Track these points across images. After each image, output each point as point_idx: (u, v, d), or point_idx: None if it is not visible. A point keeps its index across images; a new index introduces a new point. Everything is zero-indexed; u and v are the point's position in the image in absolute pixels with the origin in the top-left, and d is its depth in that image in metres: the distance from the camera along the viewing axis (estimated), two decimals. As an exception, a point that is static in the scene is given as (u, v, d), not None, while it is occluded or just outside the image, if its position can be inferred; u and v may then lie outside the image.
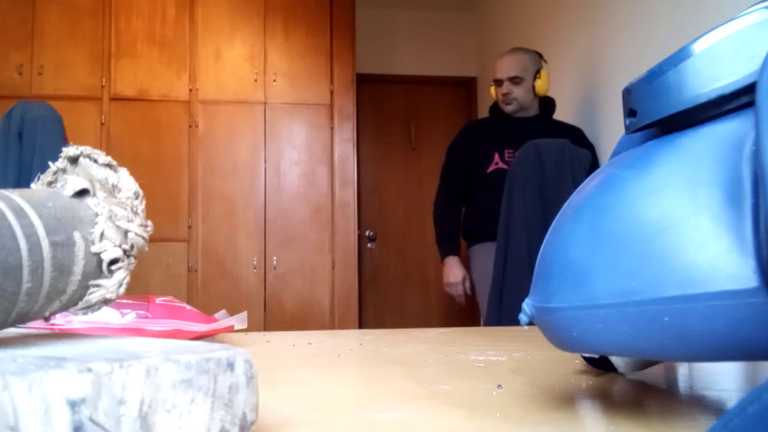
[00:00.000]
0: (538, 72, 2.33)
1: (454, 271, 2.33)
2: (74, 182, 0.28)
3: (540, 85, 2.33)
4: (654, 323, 0.25)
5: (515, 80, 2.31)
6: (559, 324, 0.29)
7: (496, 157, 2.28)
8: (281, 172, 3.46)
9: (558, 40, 2.89)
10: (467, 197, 2.37)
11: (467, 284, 2.33)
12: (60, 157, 0.30)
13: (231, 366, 0.24)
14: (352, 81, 3.57)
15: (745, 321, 0.24)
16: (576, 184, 1.83)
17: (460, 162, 2.37)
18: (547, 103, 2.40)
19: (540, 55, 2.42)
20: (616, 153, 0.37)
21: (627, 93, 0.32)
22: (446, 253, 2.36)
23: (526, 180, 1.85)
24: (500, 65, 2.36)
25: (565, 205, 0.32)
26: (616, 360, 0.44)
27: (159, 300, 0.65)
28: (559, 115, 2.81)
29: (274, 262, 3.40)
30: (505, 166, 2.23)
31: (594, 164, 2.21)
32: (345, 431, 0.31)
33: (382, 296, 4.14)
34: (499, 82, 2.35)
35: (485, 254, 2.24)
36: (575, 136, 2.28)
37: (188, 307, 0.65)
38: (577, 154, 1.91)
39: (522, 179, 1.86)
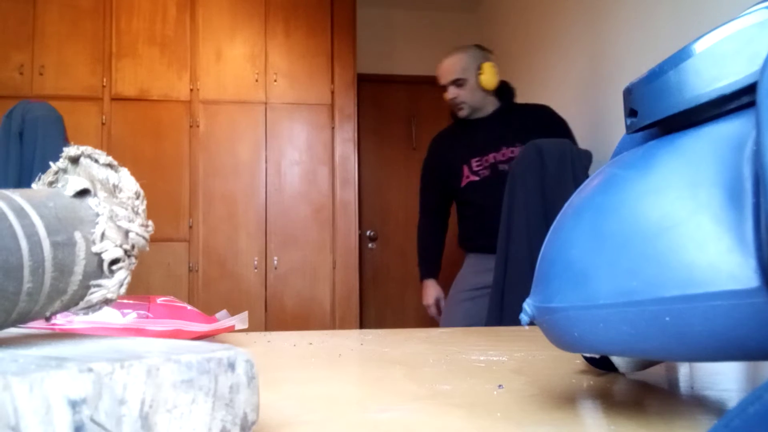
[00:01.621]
0: (480, 67, 2.20)
1: (427, 292, 2.32)
2: (75, 182, 0.28)
3: (485, 79, 2.17)
4: (655, 323, 0.25)
5: (458, 82, 2.20)
6: (560, 324, 0.29)
7: (465, 170, 2.20)
8: (282, 172, 3.46)
9: (559, 40, 2.89)
10: (458, 210, 2.32)
11: (442, 303, 2.31)
12: (61, 157, 0.30)
13: (232, 366, 0.24)
14: (353, 81, 3.57)
15: (746, 321, 0.24)
16: (577, 184, 1.83)
17: (432, 183, 2.31)
18: (505, 92, 2.27)
19: (482, 48, 2.29)
20: (617, 153, 0.37)
21: (628, 93, 0.32)
22: (422, 275, 2.34)
23: (528, 180, 1.85)
24: (440, 71, 2.26)
25: (566, 205, 0.32)
26: (616, 360, 0.44)
27: (160, 300, 0.65)
28: (561, 114, 2.82)
29: (275, 262, 3.40)
30: (476, 178, 2.16)
31: (563, 135, 2.11)
32: (346, 431, 0.31)
33: (383, 296, 4.14)
34: (444, 88, 2.26)
35: (468, 263, 2.22)
36: (542, 115, 2.20)
37: (189, 307, 0.65)
38: (578, 154, 1.91)
39: (523, 179, 1.86)
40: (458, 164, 2.21)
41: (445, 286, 2.34)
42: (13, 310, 0.24)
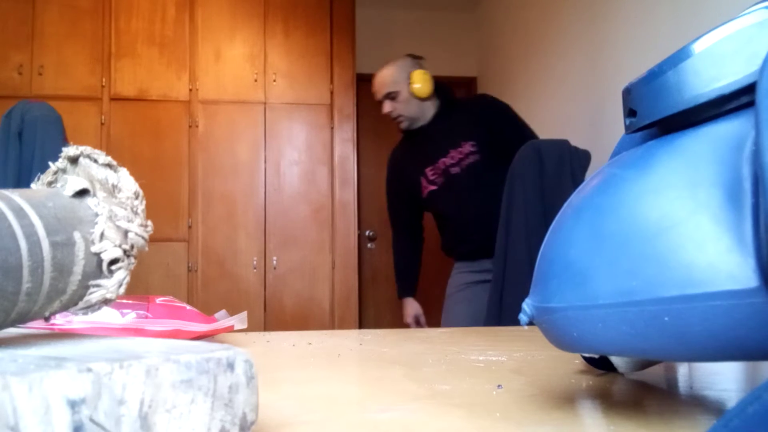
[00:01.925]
0: (409, 76, 2.15)
1: (406, 310, 2.32)
2: (74, 182, 0.28)
3: (418, 88, 2.12)
4: (654, 323, 0.25)
5: (391, 96, 2.16)
6: (559, 324, 0.29)
7: (423, 182, 2.19)
8: (281, 172, 3.46)
9: (558, 40, 2.89)
10: (434, 219, 2.31)
11: (422, 319, 2.31)
12: (60, 157, 0.30)
13: (231, 366, 0.24)
14: (352, 81, 3.57)
15: (745, 321, 0.24)
16: (576, 183, 1.83)
17: (398, 200, 2.31)
18: (442, 93, 2.19)
19: (413, 56, 2.25)
20: (616, 153, 0.37)
21: (627, 93, 0.32)
22: (399, 294, 2.35)
23: (526, 180, 1.85)
24: (373, 87, 2.23)
25: (565, 205, 0.32)
26: (616, 360, 0.44)
27: (159, 300, 0.65)
28: (560, 115, 2.82)
29: (274, 262, 3.40)
30: (434, 187, 2.16)
31: (506, 120, 2.08)
32: (345, 431, 0.31)
33: (382, 296, 4.14)
34: (380, 104, 2.23)
35: (457, 266, 2.22)
36: (481, 106, 2.14)
37: (188, 307, 0.65)
38: (577, 154, 1.91)
39: (522, 179, 1.86)
40: (416, 177, 2.20)
41: (439, 286, 2.34)
42: (13, 310, 0.24)
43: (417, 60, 2.24)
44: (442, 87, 2.21)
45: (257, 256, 3.39)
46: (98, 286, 0.27)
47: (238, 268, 3.37)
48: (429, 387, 0.42)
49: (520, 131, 2.07)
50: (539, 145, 1.90)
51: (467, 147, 2.07)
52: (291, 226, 3.45)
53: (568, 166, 1.86)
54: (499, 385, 0.42)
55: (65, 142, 2.37)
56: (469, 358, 0.56)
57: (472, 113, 2.11)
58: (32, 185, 0.30)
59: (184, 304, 0.66)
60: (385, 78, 2.19)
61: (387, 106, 2.18)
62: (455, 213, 2.15)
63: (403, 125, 2.20)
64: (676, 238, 0.25)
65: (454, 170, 2.10)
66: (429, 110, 2.18)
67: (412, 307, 2.32)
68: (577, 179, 1.85)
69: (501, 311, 1.83)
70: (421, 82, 2.14)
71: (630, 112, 0.32)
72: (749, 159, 0.25)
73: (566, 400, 0.38)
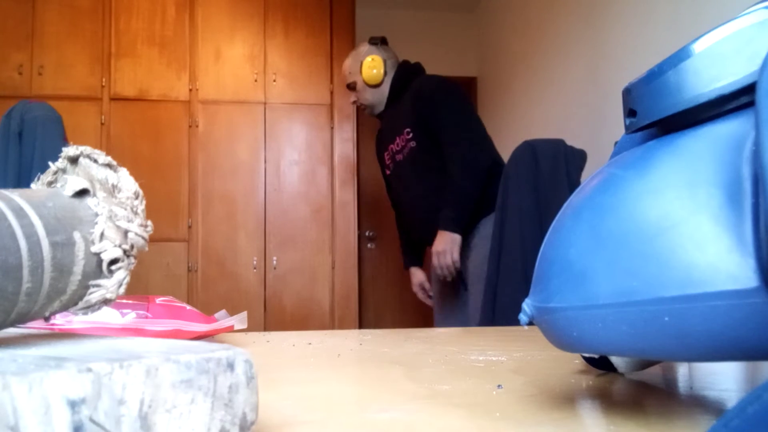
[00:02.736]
0: (361, 65, 2.16)
1: (411, 279, 2.35)
2: (74, 182, 0.28)
3: (369, 77, 2.13)
4: (654, 323, 0.25)
5: (350, 86, 2.20)
6: (559, 324, 0.29)
7: (384, 163, 2.24)
8: (281, 172, 3.46)
9: (558, 40, 2.89)
10: None
11: (426, 286, 2.32)
12: (60, 157, 0.30)
13: (231, 366, 0.24)
14: (352, 81, 3.57)
15: (745, 321, 0.24)
16: (571, 183, 1.83)
17: (385, 179, 2.35)
18: (397, 75, 2.16)
19: (372, 41, 2.22)
20: (616, 153, 0.37)
21: (627, 93, 0.32)
22: (404, 265, 2.38)
23: (521, 179, 1.85)
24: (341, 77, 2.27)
25: (565, 205, 0.32)
26: (616, 360, 0.44)
27: (159, 300, 0.65)
28: (559, 115, 2.82)
29: (274, 262, 3.40)
30: (389, 171, 2.20)
31: (436, 107, 1.99)
32: (345, 431, 0.31)
33: (382, 296, 4.14)
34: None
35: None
36: (419, 89, 2.07)
37: (188, 307, 0.65)
38: (572, 153, 1.90)
39: (516, 179, 1.86)
40: (382, 158, 2.26)
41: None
42: (12, 310, 0.24)
43: (374, 45, 2.21)
44: (399, 68, 2.17)
45: (257, 256, 3.39)
46: (98, 286, 0.27)
47: (238, 268, 3.37)
48: (429, 387, 0.42)
49: (449, 123, 1.98)
50: (534, 145, 1.89)
51: (405, 133, 2.07)
52: (291, 226, 3.45)
53: (563, 165, 1.86)
54: (499, 385, 0.42)
55: (65, 142, 2.37)
56: (469, 358, 0.56)
57: (411, 96, 2.07)
58: (32, 185, 0.30)
59: (184, 304, 0.66)
60: (344, 70, 2.24)
61: (351, 97, 2.25)
62: (400, 199, 2.18)
63: (366, 112, 2.25)
64: (676, 238, 0.25)
65: (399, 157, 2.11)
66: (386, 95, 2.19)
67: (416, 276, 2.33)
68: (572, 179, 1.85)
69: (494, 310, 1.83)
70: (371, 69, 2.13)
71: (630, 112, 0.32)
72: (749, 159, 0.25)
73: (566, 400, 0.38)
